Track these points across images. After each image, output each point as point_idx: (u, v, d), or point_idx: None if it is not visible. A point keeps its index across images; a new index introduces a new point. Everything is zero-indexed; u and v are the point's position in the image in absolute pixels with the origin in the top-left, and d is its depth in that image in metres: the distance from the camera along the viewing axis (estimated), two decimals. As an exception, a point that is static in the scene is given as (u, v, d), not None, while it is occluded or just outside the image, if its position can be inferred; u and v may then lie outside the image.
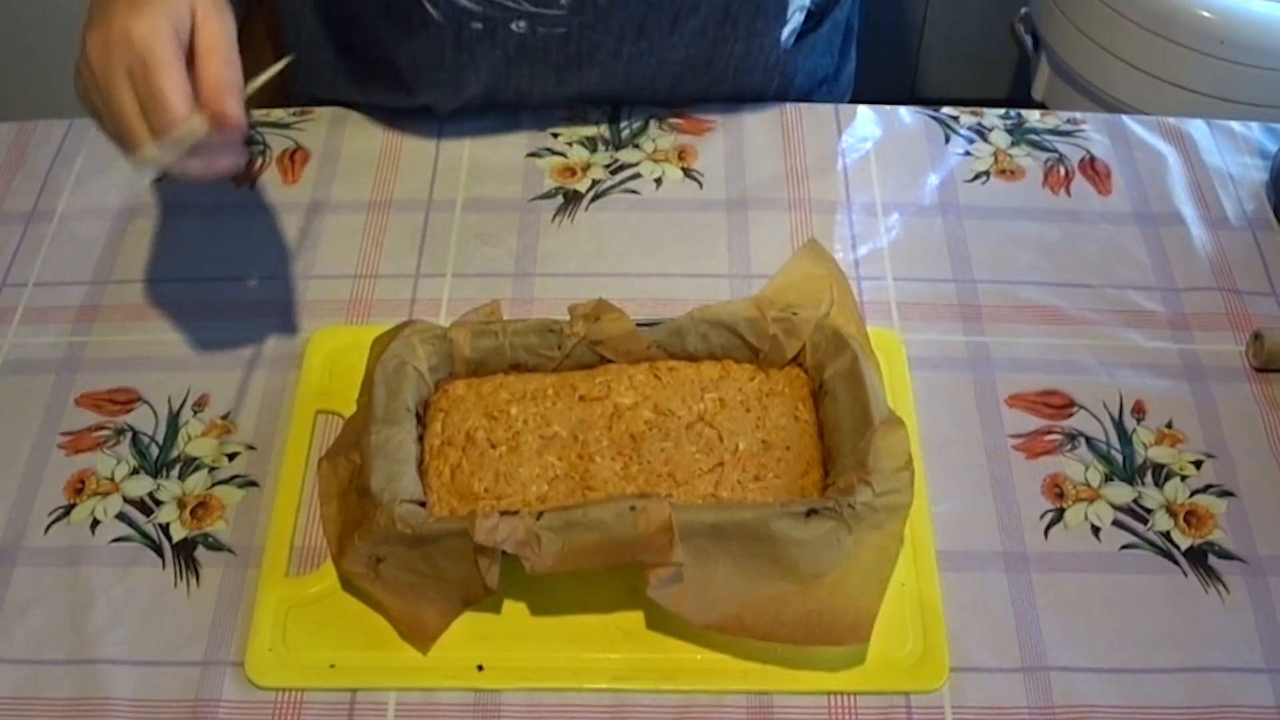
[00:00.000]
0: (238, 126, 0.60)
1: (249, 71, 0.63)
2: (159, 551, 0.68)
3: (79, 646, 0.64)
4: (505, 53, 0.80)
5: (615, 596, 0.64)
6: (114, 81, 0.59)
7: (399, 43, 0.81)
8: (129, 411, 0.74)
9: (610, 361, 0.71)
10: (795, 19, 0.86)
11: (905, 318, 0.78)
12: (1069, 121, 0.92)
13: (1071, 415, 0.74)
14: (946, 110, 0.93)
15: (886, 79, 2.05)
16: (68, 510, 0.70)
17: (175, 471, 0.71)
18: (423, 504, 0.64)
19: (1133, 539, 0.68)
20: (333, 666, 0.63)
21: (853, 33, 0.99)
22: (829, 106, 0.92)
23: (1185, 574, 0.67)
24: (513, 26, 0.76)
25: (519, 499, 0.66)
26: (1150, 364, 0.76)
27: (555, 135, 0.90)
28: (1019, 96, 1.87)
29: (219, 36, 0.61)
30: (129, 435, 0.73)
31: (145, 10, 0.59)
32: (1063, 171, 0.88)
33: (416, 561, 0.62)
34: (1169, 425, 0.73)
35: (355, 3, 0.80)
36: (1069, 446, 0.72)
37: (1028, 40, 1.81)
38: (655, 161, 0.88)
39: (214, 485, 0.71)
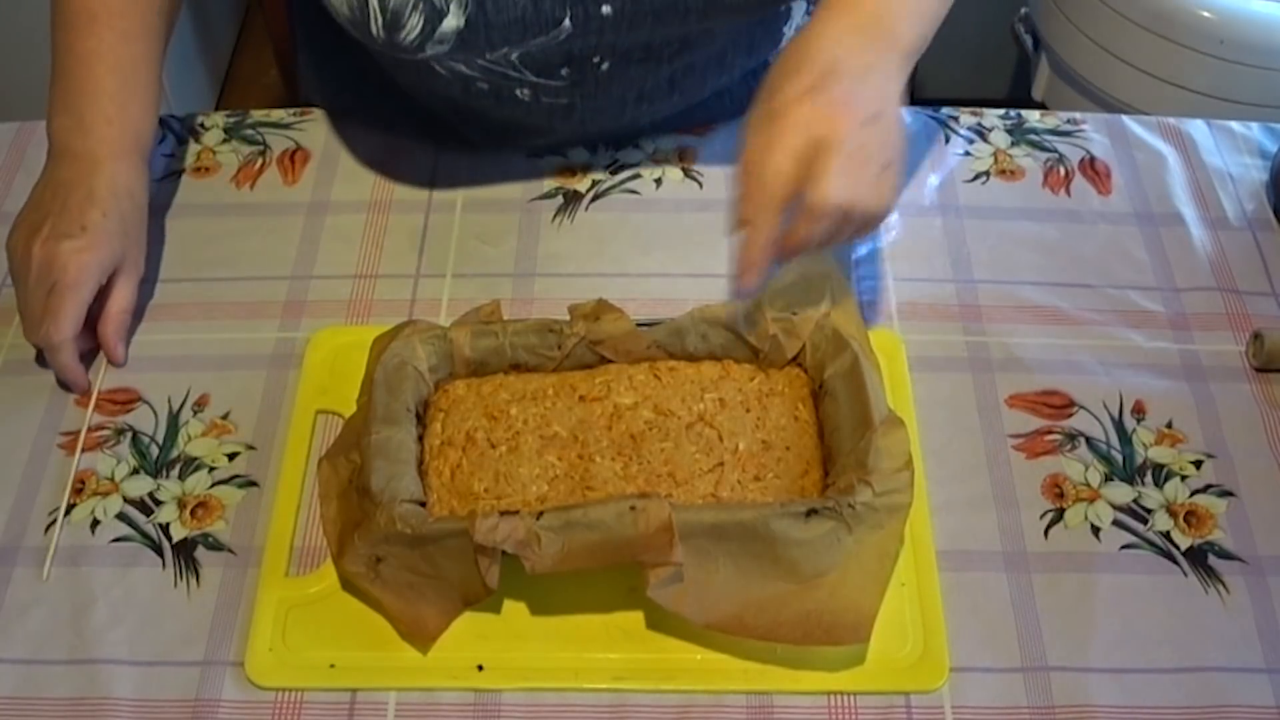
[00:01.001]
0: (119, 363, 0.76)
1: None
2: (159, 551, 0.68)
3: (79, 646, 0.64)
4: (512, 114, 0.81)
5: (615, 596, 0.64)
6: (38, 291, 0.72)
7: (412, 83, 0.82)
8: (129, 411, 0.74)
9: (610, 361, 0.71)
10: (789, 37, 0.86)
11: (905, 318, 0.78)
12: (1069, 121, 0.92)
13: (1071, 415, 0.74)
14: (946, 110, 0.93)
15: (886, 79, 2.04)
16: (68, 510, 0.70)
17: (175, 471, 0.71)
18: (423, 504, 0.64)
19: (1133, 539, 0.68)
20: (333, 666, 0.63)
21: None
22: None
23: (1185, 574, 0.67)
24: (517, 92, 0.78)
25: (519, 499, 0.66)
26: (1150, 364, 0.76)
27: (555, 135, 0.90)
28: (1019, 96, 1.87)
29: (131, 290, 0.76)
30: (129, 435, 0.73)
31: (89, 249, 0.72)
32: (1063, 171, 0.88)
33: (416, 561, 0.62)
34: (1169, 425, 0.73)
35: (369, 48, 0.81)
36: (1069, 446, 0.72)
37: (1028, 40, 1.81)
38: (655, 162, 0.88)
39: (214, 485, 0.71)
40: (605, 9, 0.71)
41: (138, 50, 0.78)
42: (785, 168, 0.62)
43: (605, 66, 0.77)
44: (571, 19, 0.71)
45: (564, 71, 0.77)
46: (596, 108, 0.82)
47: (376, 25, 0.70)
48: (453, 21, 0.70)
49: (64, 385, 0.75)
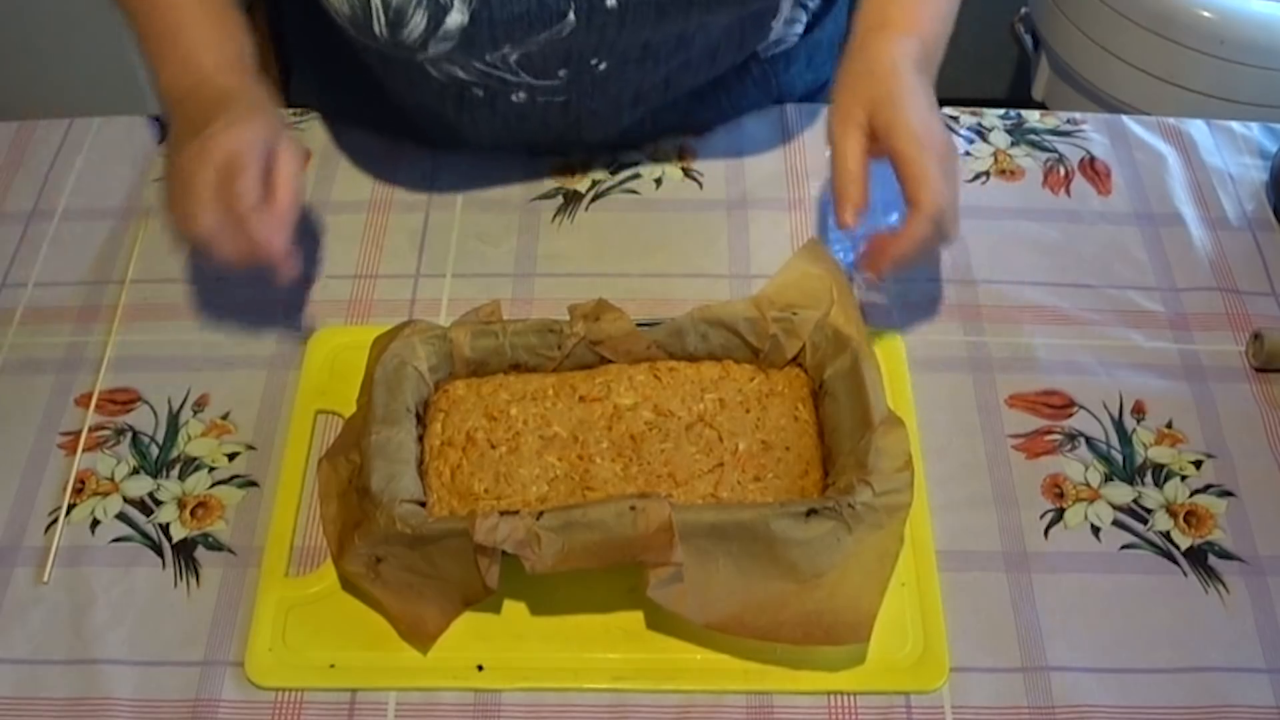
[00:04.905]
0: (279, 256, 0.68)
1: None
2: (159, 551, 0.68)
3: (79, 646, 0.64)
4: (506, 120, 0.82)
5: (615, 596, 0.64)
6: (200, 174, 0.66)
7: (402, 92, 0.82)
8: (129, 411, 0.74)
9: (610, 362, 0.71)
10: (778, 30, 0.86)
11: (905, 318, 0.78)
12: (1069, 121, 0.92)
13: (1071, 415, 0.74)
14: (946, 110, 0.92)
15: (886, 79, 2.04)
16: (68, 510, 0.70)
17: (175, 471, 0.71)
18: (423, 504, 0.65)
19: (1133, 539, 0.68)
20: (333, 666, 0.63)
21: (841, 32, 1.00)
22: (829, 106, 0.92)
23: (1185, 574, 0.67)
24: (513, 97, 0.78)
25: (519, 499, 0.66)
26: (1150, 364, 0.76)
27: (555, 135, 0.90)
28: (1019, 96, 1.87)
29: (293, 174, 0.69)
30: (129, 435, 0.73)
31: (241, 129, 0.68)
32: (1063, 172, 0.88)
33: (416, 561, 0.62)
34: (1169, 425, 0.73)
35: (361, 54, 0.81)
36: (1069, 446, 0.72)
37: (1028, 40, 1.81)
38: (655, 161, 0.88)
39: (214, 485, 0.71)
40: (610, 2, 0.71)
41: None
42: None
43: (603, 67, 0.77)
44: (575, 13, 0.71)
45: (561, 73, 0.77)
46: (592, 109, 0.82)
47: (379, 24, 0.69)
48: (457, 17, 0.69)
49: (268, 272, 0.68)
